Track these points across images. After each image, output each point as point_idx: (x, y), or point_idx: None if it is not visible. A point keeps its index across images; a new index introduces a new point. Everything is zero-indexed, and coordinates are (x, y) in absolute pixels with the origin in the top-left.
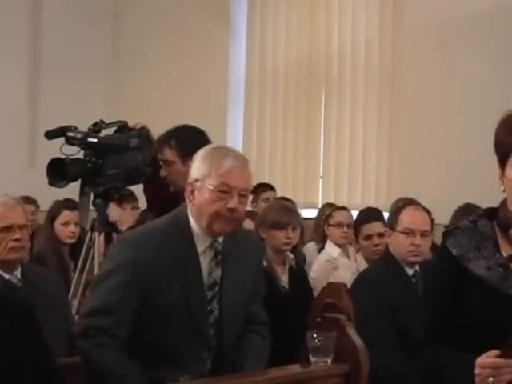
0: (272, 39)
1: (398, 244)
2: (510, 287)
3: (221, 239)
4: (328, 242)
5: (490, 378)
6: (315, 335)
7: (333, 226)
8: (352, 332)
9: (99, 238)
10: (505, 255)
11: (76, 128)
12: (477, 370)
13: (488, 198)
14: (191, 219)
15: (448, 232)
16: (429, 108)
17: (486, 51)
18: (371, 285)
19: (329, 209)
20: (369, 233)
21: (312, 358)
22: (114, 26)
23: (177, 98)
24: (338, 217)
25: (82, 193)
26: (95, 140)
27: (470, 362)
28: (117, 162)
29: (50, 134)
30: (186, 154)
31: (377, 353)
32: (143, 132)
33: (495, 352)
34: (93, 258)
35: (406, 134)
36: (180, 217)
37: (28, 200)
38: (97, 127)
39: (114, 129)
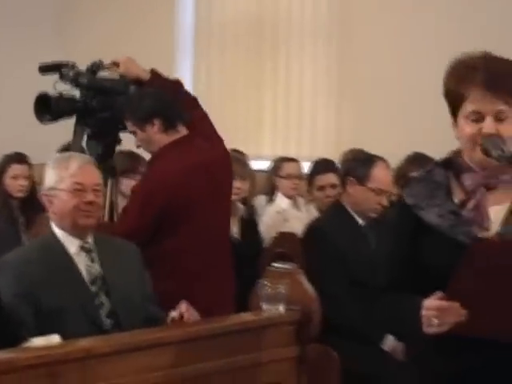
0: None
1: (364, 199)
2: (460, 233)
3: (90, 240)
4: (278, 193)
5: (435, 320)
6: (267, 283)
7: (283, 177)
8: (304, 280)
9: None
10: (457, 202)
11: (73, 66)
12: (423, 312)
13: (435, 148)
14: (56, 229)
15: (405, 182)
16: (377, 58)
17: (431, 5)
18: (322, 234)
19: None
20: (322, 184)
21: (264, 306)
22: None
23: (124, 43)
24: (288, 168)
25: (75, 132)
26: (85, 80)
27: (418, 304)
28: (109, 105)
29: (44, 68)
30: (141, 121)
31: (329, 301)
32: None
33: (441, 295)
34: None
35: (354, 85)
36: (45, 235)
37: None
38: (94, 67)
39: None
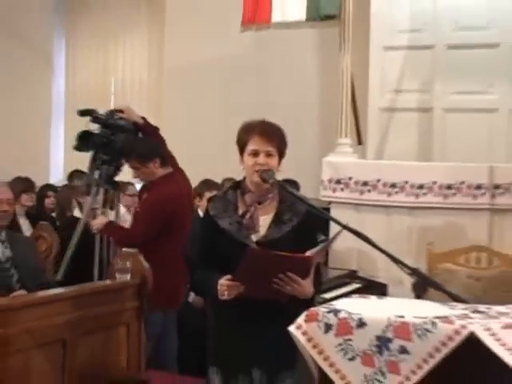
0: (80, 73)
1: None
2: (241, 236)
3: (3, 236)
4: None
5: (226, 292)
6: (119, 261)
7: None
8: (142, 259)
9: (102, 192)
10: (240, 213)
11: (97, 111)
12: (219, 287)
13: (218, 175)
14: None
15: (210, 198)
16: (185, 122)
17: (215, 89)
18: None
19: None
20: None
21: (117, 276)
22: None
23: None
24: None
25: (94, 159)
26: (114, 122)
27: (216, 280)
28: (122, 139)
29: (83, 112)
30: (145, 160)
31: None
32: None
33: (229, 276)
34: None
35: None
36: None
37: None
38: (113, 113)
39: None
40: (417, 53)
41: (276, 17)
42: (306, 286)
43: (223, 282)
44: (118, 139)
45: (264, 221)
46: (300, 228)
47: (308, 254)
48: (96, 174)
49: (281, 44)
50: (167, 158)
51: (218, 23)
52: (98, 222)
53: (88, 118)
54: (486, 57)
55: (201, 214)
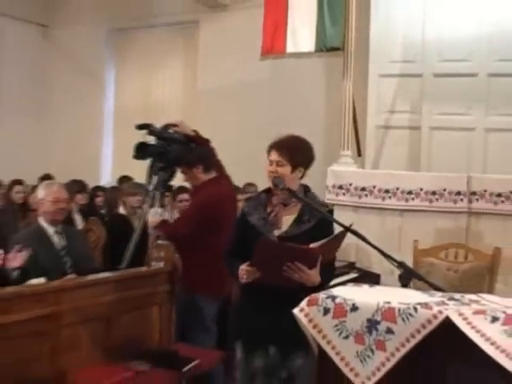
0: (127, 94)
1: None
2: (266, 230)
3: (59, 228)
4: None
5: (244, 276)
6: (154, 251)
7: None
8: (173, 249)
9: (158, 195)
10: (267, 211)
11: (153, 125)
12: (239, 272)
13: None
14: (41, 222)
15: (246, 199)
16: (213, 136)
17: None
18: None
19: None
20: None
21: (153, 263)
22: None
23: (62, 130)
24: None
25: (151, 166)
26: (168, 135)
27: (238, 266)
28: (175, 149)
29: (140, 126)
30: (190, 166)
31: None
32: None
33: (248, 263)
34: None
35: None
36: (35, 224)
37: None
38: (167, 127)
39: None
40: (408, 80)
41: (290, 48)
42: (313, 275)
43: (243, 267)
44: (172, 149)
45: (287, 220)
46: (316, 228)
47: (311, 246)
48: (154, 179)
49: (293, 71)
50: (211, 165)
51: (241, 54)
52: (152, 220)
53: (145, 131)
54: (466, 84)
55: None
